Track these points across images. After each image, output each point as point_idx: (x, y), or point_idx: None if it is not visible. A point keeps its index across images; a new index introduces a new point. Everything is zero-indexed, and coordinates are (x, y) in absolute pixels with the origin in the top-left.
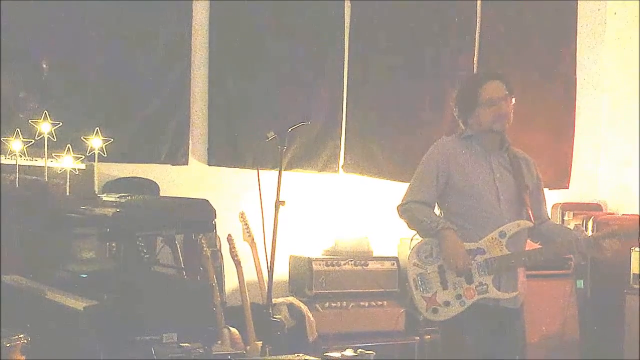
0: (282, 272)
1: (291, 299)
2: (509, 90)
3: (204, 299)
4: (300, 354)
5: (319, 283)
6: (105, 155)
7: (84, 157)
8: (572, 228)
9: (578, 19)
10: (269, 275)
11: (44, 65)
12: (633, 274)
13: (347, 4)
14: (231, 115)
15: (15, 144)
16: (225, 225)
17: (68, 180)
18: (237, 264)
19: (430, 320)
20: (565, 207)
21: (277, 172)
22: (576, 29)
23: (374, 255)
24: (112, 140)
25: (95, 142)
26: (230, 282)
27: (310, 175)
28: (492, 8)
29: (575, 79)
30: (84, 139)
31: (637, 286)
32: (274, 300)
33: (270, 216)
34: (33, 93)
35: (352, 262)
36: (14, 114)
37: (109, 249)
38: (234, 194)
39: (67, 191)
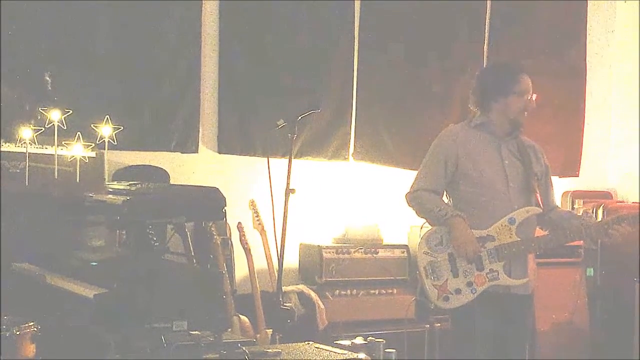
0: (292, 260)
1: (301, 287)
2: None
3: (214, 287)
4: (311, 342)
5: (329, 271)
6: (116, 143)
7: (94, 145)
8: (580, 215)
9: (588, 7)
10: (279, 263)
11: (47, 78)
12: None
13: None
14: (241, 103)
15: (25, 132)
16: (236, 213)
17: (78, 168)
18: (247, 251)
19: (441, 308)
20: (575, 195)
21: (287, 160)
22: (586, 18)
23: (384, 243)
24: (122, 128)
25: (105, 130)
26: (240, 270)
27: (320, 163)
28: None
29: (585, 67)
30: (94, 127)
31: None
32: (284, 288)
33: (280, 204)
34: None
35: (362, 250)
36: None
37: (119, 237)
38: (244, 182)
39: (77, 179)
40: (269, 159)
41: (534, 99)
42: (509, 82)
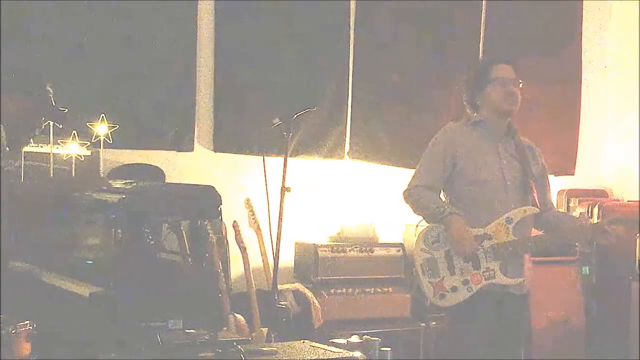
0: (287, 259)
1: (297, 285)
2: (517, 76)
3: (210, 286)
4: (306, 341)
5: (324, 269)
6: (111, 142)
7: (89, 143)
8: (577, 216)
9: (583, 7)
10: (274, 262)
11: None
12: (638, 260)
13: None
14: (237, 102)
15: None
16: (231, 211)
17: (74, 166)
18: (243, 250)
19: (436, 306)
20: (571, 193)
21: (283, 158)
22: (582, 17)
23: (379, 242)
24: (118, 126)
25: (101, 128)
26: (236, 268)
27: (315, 161)
28: None
29: (581, 65)
30: (89, 126)
31: None
32: (279, 287)
33: (275, 203)
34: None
35: (358, 248)
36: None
37: (115, 236)
38: (239, 181)
39: (73, 178)
40: (265, 157)
41: (520, 86)
42: (484, 74)
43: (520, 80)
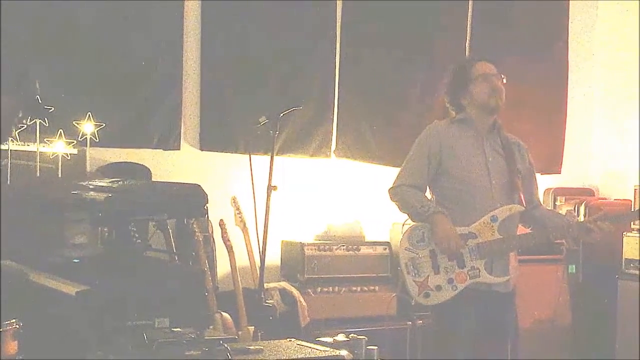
0: (274, 257)
1: (283, 284)
2: (499, 72)
3: (196, 284)
4: (292, 339)
5: (311, 268)
6: (97, 140)
7: (75, 142)
8: (564, 213)
9: (570, 5)
10: (261, 260)
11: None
12: (625, 258)
13: None
14: (223, 100)
15: None
16: (217, 210)
17: (60, 165)
18: (229, 249)
19: (422, 305)
20: (557, 192)
21: (269, 157)
22: (568, 15)
23: (366, 240)
24: (104, 125)
25: (87, 127)
26: (222, 267)
27: (302, 160)
28: None
29: (567, 64)
30: (75, 124)
31: (634, 272)
32: (266, 285)
33: (262, 201)
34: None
35: (344, 247)
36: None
37: (101, 234)
38: (226, 179)
39: (59, 176)
40: (251, 155)
41: (503, 80)
42: (466, 73)
43: (503, 76)
